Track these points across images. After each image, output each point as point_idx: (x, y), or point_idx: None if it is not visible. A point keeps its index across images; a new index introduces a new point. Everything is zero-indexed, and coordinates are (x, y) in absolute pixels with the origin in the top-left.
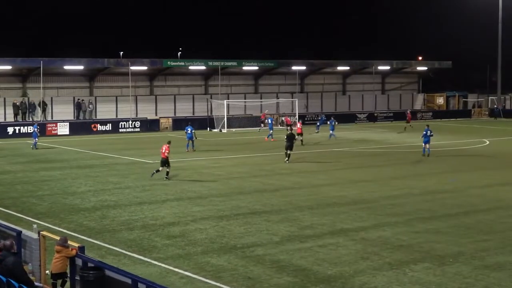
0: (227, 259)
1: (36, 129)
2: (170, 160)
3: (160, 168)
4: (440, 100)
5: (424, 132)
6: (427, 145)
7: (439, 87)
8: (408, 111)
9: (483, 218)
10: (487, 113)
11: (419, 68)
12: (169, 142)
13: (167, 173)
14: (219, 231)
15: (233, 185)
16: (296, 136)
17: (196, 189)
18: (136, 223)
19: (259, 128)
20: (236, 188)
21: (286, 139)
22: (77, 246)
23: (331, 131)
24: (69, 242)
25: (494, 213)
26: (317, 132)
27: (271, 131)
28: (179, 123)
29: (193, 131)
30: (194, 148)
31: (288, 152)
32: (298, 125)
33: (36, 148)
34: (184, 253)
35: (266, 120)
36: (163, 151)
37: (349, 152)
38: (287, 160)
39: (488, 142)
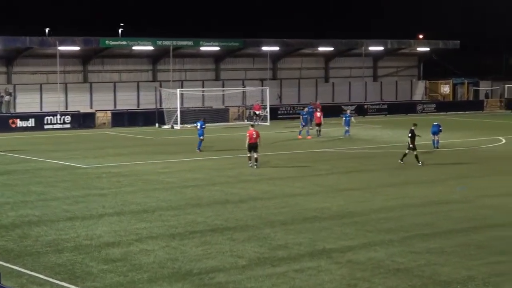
0: None
1: None
2: (107, 164)
3: (249, 154)
4: (446, 89)
5: (432, 126)
6: (436, 137)
7: (444, 72)
8: (317, 103)
9: (497, 235)
10: (503, 104)
11: (420, 49)
12: (252, 126)
13: (256, 159)
14: (170, 253)
15: (188, 195)
16: (317, 128)
17: (141, 200)
18: (66, 244)
19: (254, 121)
20: (192, 199)
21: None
22: None
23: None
24: None
25: (511, 228)
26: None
27: (301, 126)
28: (120, 118)
29: (203, 127)
30: (200, 148)
31: (411, 152)
32: (318, 114)
33: None
34: (126, 281)
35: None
36: (254, 136)
37: (333, 153)
38: (401, 161)
39: (504, 141)
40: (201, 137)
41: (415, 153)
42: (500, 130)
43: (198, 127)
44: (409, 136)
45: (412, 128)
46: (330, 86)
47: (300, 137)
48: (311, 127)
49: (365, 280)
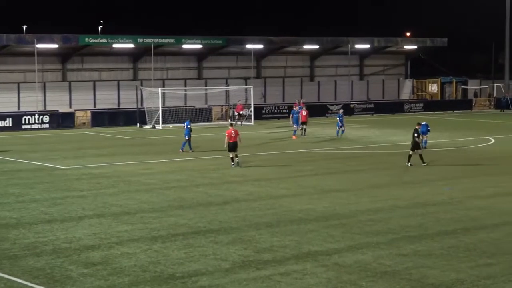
0: None
1: None
2: (87, 165)
3: (231, 155)
4: (433, 88)
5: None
6: (424, 136)
7: (432, 71)
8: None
9: (486, 237)
10: (492, 103)
11: (407, 47)
12: (231, 125)
13: (237, 157)
14: (152, 256)
15: (170, 196)
16: (302, 126)
17: (122, 202)
18: (45, 247)
19: (235, 122)
20: (174, 201)
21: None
22: None
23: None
24: None
25: (500, 230)
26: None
27: (296, 125)
28: (100, 118)
29: (189, 126)
30: (191, 148)
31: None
32: (304, 112)
33: None
34: (107, 285)
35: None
36: (233, 135)
37: (319, 153)
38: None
39: (493, 141)
40: (186, 137)
41: (411, 152)
42: (489, 129)
43: (185, 127)
44: (415, 136)
45: (417, 127)
46: (316, 85)
47: (294, 137)
48: (300, 127)
49: (352, 284)
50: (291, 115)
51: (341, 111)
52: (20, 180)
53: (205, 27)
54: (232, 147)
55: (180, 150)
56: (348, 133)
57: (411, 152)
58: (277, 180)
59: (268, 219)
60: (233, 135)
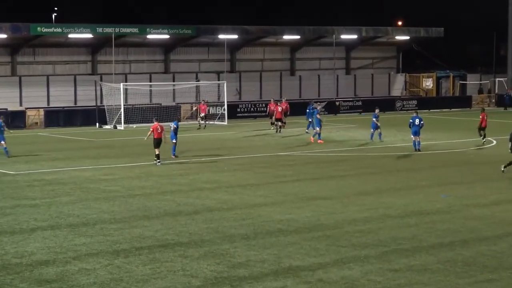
0: None
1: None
2: (40, 170)
3: (158, 152)
4: (428, 83)
5: (411, 121)
6: (417, 137)
7: (426, 64)
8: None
9: (487, 249)
10: (493, 100)
11: (399, 38)
12: (156, 120)
13: (158, 156)
14: (113, 273)
15: (134, 205)
16: (276, 123)
17: (80, 212)
18: None
19: (200, 123)
20: (138, 210)
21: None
22: None
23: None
24: None
25: (503, 242)
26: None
27: (318, 128)
28: (54, 117)
29: (176, 127)
30: (175, 152)
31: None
32: (279, 108)
33: (9, 156)
34: None
35: (313, 109)
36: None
37: (300, 157)
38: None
39: (495, 142)
40: (173, 141)
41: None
42: (491, 130)
43: (172, 128)
44: None
45: None
46: (297, 79)
47: (320, 141)
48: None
49: None
50: (313, 116)
51: (376, 110)
52: None
53: (172, 15)
54: (158, 143)
55: (173, 156)
56: (333, 134)
57: None
58: (253, 187)
59: (244, 230)
60: (159, 131)
